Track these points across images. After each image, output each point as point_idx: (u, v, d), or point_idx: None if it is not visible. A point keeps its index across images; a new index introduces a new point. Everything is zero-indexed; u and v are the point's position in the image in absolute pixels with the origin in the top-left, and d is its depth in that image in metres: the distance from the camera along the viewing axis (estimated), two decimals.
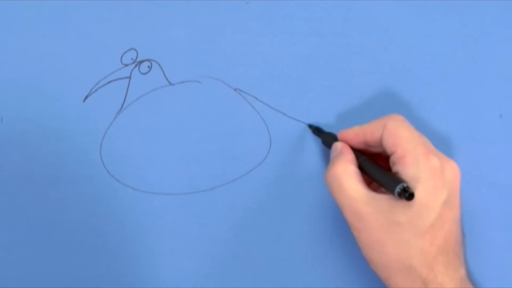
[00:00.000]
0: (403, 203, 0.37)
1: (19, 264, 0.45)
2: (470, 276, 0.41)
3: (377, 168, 0.40)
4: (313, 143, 0.46)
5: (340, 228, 0.45)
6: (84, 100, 0.46)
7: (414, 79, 0.47)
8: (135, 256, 0.45)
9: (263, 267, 0.45)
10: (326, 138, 0.44)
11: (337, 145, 0.42)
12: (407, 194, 0.36)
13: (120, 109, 0.46)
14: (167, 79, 0.47)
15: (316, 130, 0.45)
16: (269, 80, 0.47)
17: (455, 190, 0.40)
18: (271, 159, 0.46)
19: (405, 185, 0.37)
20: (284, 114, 0.46)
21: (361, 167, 0.41)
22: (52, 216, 0.45)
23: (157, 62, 0.47)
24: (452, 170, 0.39)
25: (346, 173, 0.40)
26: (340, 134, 0.43)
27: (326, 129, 0.45)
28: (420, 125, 0.43)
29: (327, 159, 0.45)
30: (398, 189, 0.37)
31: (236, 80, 0.47)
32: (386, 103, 0.46)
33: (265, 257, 0.45)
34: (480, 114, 0.45)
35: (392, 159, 0.40)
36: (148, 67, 0.47)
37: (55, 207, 0.45)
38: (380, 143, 0.41)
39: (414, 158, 0.38)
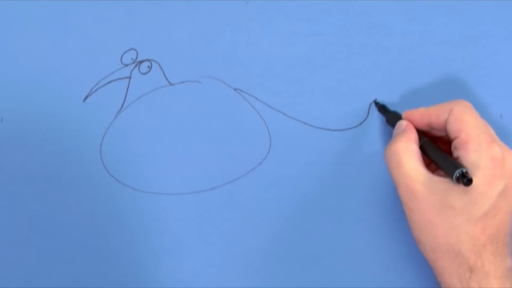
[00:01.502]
0: (459, 188, 0.38)
1: (19, 264, 0.45)
2: None
3: (438, 151, 0.40)
4: (313, 143, 0.46)
5: (340, 228, 0.45)
6: (84, 100, 0.46)
7: (414, 79, 0.47)
8: (135, 256, 0.45)
9: (263, 267, 0.45)
10: (391, 117, 0.44)
11: (402, 123, 0.42)
12: (466, 180, 0.37)
13: (120, 109, 0.46)
14: (167, 79, 0.47)
15: (382, 108, 0.45)
16: (269, 80, 0.47)
17: None
18: (271, 159, 0.46)
19: (464, 170, 0.37)
20: (284, 114, 0.46)
21: (422, 148, 0.41)
22: (52, 216, 0.45)
23: (157, 62, 0.47)
24: None
25: (407, 151, 0.40)
26: (405, 114, 0.43)
27: (321, 132, 0.45)
28: None
29: (326, 159, 0.45)
30: (457, 173, 0.37)
31: (236, 80, 0.47)
32: (386, 103, 0.46)
33: (265, 257, 0.45)
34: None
35: (454, 143, 0.40)
36: (148, 67, 0.47)
37: (55, 207, 0.45)
38: (444, 127, 0.41)
39: (477, 145, 0.38)
